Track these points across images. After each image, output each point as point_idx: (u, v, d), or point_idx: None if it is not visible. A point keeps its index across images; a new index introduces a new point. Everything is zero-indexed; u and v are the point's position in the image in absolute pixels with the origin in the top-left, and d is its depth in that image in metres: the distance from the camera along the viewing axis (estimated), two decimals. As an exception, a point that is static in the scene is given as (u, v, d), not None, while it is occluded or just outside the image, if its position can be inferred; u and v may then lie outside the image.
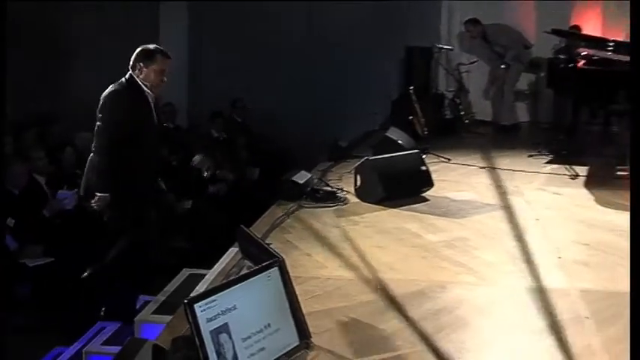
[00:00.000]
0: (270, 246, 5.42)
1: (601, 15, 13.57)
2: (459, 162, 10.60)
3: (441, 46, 13.51)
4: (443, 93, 14.12)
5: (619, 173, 9.51)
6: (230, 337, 3.81)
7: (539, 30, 12.63)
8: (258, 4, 13.65)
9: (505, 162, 10.62)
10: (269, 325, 4.06)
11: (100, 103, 6.48)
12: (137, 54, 6.52)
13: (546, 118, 13.61)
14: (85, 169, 6.78)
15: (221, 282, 5.07)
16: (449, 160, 10.66)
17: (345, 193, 8.65)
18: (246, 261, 5.74)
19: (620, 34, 13.12)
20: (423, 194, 8.63)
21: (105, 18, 13.62)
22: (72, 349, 6.76)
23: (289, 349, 4.16)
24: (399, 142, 9.88)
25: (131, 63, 6.51)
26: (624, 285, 5.90)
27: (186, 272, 7.45)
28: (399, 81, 13.81)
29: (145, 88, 6.51)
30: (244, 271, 4.99)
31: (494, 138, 12.68)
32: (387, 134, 10.18)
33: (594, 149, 10.87)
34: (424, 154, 9.69)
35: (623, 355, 4.70)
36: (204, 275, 6.30)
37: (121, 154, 6.44)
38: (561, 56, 11.21)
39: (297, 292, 4.65)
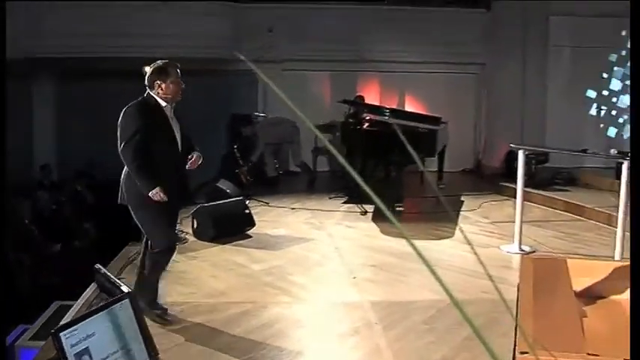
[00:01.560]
0: (123, 280, 5.29)
1: (379, 87, 14.05)
2: (276, 205, 10.64)
3: (257, 113, 13.58)
4: (262, 150, 14.17)
5: (397, 209, 9.81)
6: (91, 359, 3.71)
7: (334, 99, 12.93)
8: (109, 81, 13.39)
9: (312, 203, 10.75)
10: (123, 346, 3.97)
11: (118, 121, 5.49)
12: (151, 73, 5.50)
13: (342, 168, 13.89)
14: (121, 180, 5.68)
15: (84, 312, 4.92)
16: (267, 203, 10.70)
17: (185, 233, 8.54)
18: (103, 294, 5.61)
19: (394, 102, 13.67)
20: (247, 232, 8.64)
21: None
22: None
23: (141, 364, 4.08)
24: (227, 191, 9.90)
25: (147, 82, 5.51)
26: (403, 296, 6.18)
27: (57, 304, 7.16)
28: (228, 141, 13.76)
29: (162, 102, 5.50)
30: (102, 303, 4.87)
31: (303, 185, 12.78)
32: (218, 185, 10.18)
33: (378, 191, 11.10)
34: (247, 199, 9.71)
35: (402, 351, 4.90)
36: (72, 306, 6.10)
37: (147, 159, 5.44)
38: (351, 120, 11.50)
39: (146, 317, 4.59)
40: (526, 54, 13.14)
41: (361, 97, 12.81)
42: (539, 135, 13.05)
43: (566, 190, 11.14)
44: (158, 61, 5.61)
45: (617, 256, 6.84)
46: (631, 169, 1.93)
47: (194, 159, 5.78)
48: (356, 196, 10.63)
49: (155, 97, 5.50)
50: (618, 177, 8.19)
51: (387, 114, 11.11)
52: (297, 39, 13.37)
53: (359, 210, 10.05)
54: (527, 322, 1.91)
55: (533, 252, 7.78)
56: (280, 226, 9.19)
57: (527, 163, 8.88)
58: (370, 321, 5.51)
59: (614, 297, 2.45)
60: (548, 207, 10.43)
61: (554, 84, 13.43)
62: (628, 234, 7.51)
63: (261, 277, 6.90)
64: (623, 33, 13.31)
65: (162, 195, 5.40)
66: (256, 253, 7.83)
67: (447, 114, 12.18)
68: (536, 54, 13.18)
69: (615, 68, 13.46)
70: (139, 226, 5.68)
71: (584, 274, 2.44)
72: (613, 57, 13.42)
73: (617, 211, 7.03)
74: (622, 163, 6.95)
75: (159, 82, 5.46)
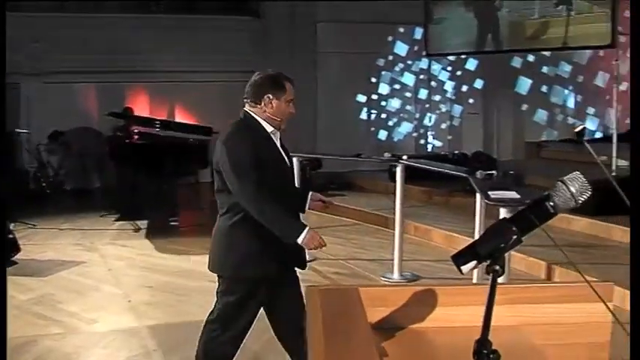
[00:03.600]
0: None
1: (148, 98, 13.73)
2: (44, 226, 10.04)
3: (19, 130, 12.81)
4: (27, 169, 13.36)
5: (172, 223, 9.64)
6: None
7: (102, 112, 12.46)
8: None
9: (82, 223, 10.27)
10: None
11: (221, 152, 3.95)
12: (264, 84, 4.05)
13: (112, 183, 13.42)
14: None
15: None
16: (34, 225, 10.08)
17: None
18: None
19: (164, 113, 13.43)
20: (12, 259, 8.07)
21: None
22: None
23: None
24: (-12, 215, 9.20)
25: (253, 97, 4.03)
26: (183, 317, 5.99)
27: None
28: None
29: (267, 125, 4.03)
30: None
31: (74, 203, 12.20)
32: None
33: (152, 205, 10.86)
34: (12, 223, 9.08)
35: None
36: None
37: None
38: (119, 133, 11.19)
39: None
40: (295, 60, 13.39)
41: (130, 109, 12.47)
42: (312, 141, 13.34)
43: (342, 195, 11.45)
44: (270, 70, 4.23)
45: (395, 258, 7.11)
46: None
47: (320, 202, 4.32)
48: (128, 213, 10.33)
49: (256, 117, 4.07)
50: (392, 179, 8.53)
51: (157, 126, 10.91)
52: (61, 50, 12.74)
53: (132, 227, 9.75)
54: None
55: (314, 260, 7.87)
56: (48, 249, 8.69)
57: (301, 170, 9.02)
58: (149, 348, 5.31)
59: (413, 326, 2.37)
60: (325, 213, 10.62)
61: (324, 89, 13.82)
62: (406, 235, 7.87)
63: (30, 307, 6.46)
64: (390, 38, 13.99)
65: (319, 238, 4.06)
66: (23, 281, 7.32)
67: (219, 124, 12.10)
68: (305, 60, 13.50)
69: (383, 72, 14.11)
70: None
71: (379, 304, 2.35)
72: (381, 62, 14.05)
73: (394, 214, 7.29)
74: (396, 166, 7.21)
75: (270, 96, 4.04)
